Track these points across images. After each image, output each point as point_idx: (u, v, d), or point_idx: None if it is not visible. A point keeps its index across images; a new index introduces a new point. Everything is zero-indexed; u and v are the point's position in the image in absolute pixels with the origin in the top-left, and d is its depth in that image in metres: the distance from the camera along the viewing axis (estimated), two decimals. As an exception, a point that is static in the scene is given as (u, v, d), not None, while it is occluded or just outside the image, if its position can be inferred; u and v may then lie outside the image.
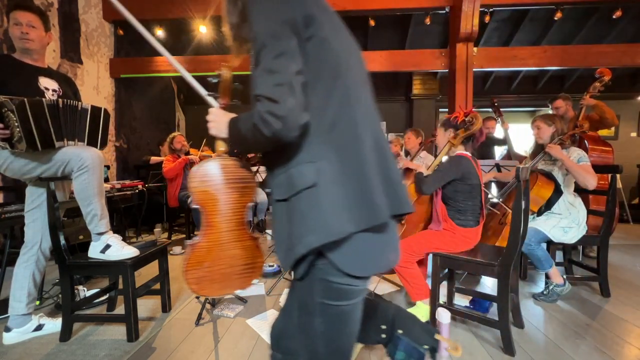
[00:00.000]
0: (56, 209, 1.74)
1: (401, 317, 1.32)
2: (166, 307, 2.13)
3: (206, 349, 1.71)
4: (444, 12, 4.21)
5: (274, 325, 0.95)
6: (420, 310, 1.98)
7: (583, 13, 4.91)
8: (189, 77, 1.07)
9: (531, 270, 2.78)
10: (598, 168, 2.32)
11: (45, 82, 1.82)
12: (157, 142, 5.01)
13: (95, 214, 1.76)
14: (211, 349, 1.70)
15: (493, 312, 2.06)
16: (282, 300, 2.22)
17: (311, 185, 0.69)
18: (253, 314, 2.07)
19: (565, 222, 2.26)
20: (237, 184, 1.04)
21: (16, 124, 1.54)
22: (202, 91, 1.07)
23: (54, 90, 1.85)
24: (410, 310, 2.02)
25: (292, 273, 0.78)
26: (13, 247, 2.22)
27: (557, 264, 2.38)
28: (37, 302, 2.06)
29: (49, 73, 1.88)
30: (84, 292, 2.24)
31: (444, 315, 1.65)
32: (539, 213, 2.36)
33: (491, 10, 4.19)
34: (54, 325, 1.86)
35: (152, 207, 4.28)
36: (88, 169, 1.71)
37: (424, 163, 3.08)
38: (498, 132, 3.94)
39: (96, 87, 4.28)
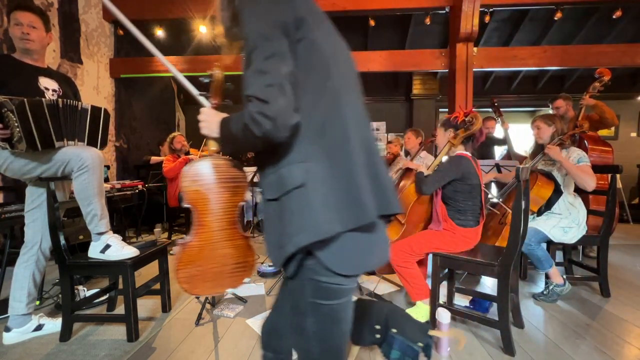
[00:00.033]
0: (56, 209, 1.74)
1: (395, 316, 1.33)
2: (166, 307, 2.13)
3: (206, 349, 1.71)
4: (444, 12, 4.21)
5: (265, 325, 0.96)
6: (420, 310, 1.98)
7: (583, 13, 4.91)
8: (180, 77, 1.08)
9: (531, 270, 2.78)
10: (598, 168, 2.32)
11: (45, 82, 1.82)
12: (157, 142, 5.01)
13: (95, 214, 1.76)
14: (211, 349, 1.70)
15: (493, 312, 2.06)
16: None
17: (300, 185, 0.70)
18: (253, 314, 2.07)
19: (565, 222, 2.26)
20: (228, 183, 1.05)
21: (16, 124, 1.54)
22: (194, 91, 1.08)
23: (54, 90, 1.85)
24: (410, 310, 2.02)
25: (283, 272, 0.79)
26: (13, 247, 2.22)
27: (557, 264, 2.38)
28: (37, 302, 2.06)
29: (49, 73, 1.88)
30: (84, 292, 2.24)
31: (444, 315, 1.65)
32: (539, 213, 2.36)
33: (491, 10, 4.19)
34: (54, 325, 1.86)
35: (152, 207, 4.28)
36: (88, 169, 1.71)
37: (424, 163, 3.08)
38: (498, 132, 3.94)
39: (96, 87, 4.28)
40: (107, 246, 1.77)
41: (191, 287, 1.05)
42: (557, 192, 2.30)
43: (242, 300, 2.27)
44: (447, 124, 2.12)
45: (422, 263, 2.23)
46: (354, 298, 1.46)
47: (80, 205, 1.76)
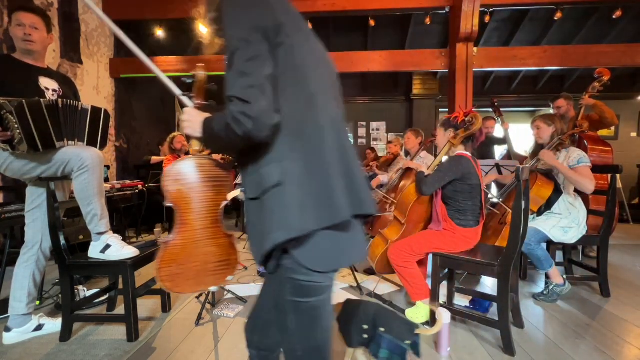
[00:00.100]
0: (56, 209, 1.74)
1: (382, 316, 1.34)
2: (166, 307, 2.13)
3: (206, 349, 1.71)
4: (444, 12, 4.21)
5: (247, 323, 0.96)
6: (420, 310, 1.98)
7: (583, 13, 4.92)
8: (162, 77, 1.08)
9: (531, 270, 2.78)
10: (598, 168, 2.32)
11: (45, 82, 1.82)
12: (157, 142, 5.02)
13: (95, 214, 1.76)
14: (211, 349, 1.70)
15: (493, 312, 2.06)
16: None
17: (277, 184, 0.73)
18: (253, 314, 2.07)
19: (565, 222, 2.26)
20: (211, 182, 1.06)
21: (16, 125, 1.54)
22: (177, 91, 1.08)
23: (54, 91, 1.85)
24: (410, 310, 2.03)
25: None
26: (13, 247, 2.22)
27: (557, 264, 2.38)
28: (37, 302, 2.06)
29: (49, 73, 1.88)
30: (84, 292, 2.24)
31: (444, 316, 1.65)
32: (539, 213, 2.37)
33: (491, 10, 4.19)
34: (54, 325, 1.86)
35: (152, 207, 4.28)
36: (88, 169, 1.71)
37: (424, 163, 3.08)
38: (498, 132, 3.94)
39: (96, 87, 4.28)
40: (107, 246, 1.77)
41: (173, 285, 1.05)
42: (557, 192, 2.30)
43: (242, 300, 2.27)
44: (447, 124, 2.12)
45: (422, 263, 2.23)
46: (343, 299, 1.47)
47: (80, 205, 1.76)
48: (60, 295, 2.07)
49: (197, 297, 2.31)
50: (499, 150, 4.01)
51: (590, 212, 2.42)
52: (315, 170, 0.75)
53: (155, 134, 5.45)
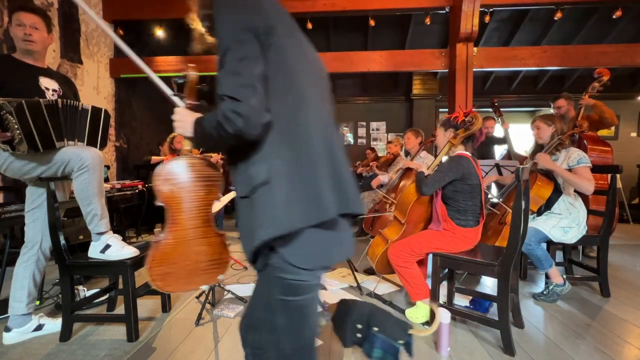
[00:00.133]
0: (56, 209, 1.74)
1: (376, 315, 1.36)
2: (166, 307, 2.13)
3: (206, 349, 1.71)
4: (444, 12, 4.21)
5: (241, 322, 0.97)
6: (420, 310, 1.98)
7: (583, 13, 4.92)
8: (154, 77, 1.09)
9: (531, 270, 2.78)
10: (598, 168, 2.32)
11: (45, 82, 1.82)
12: (157, 142, 5.01)
13: (96, 214, 1.76)
14: (211, 349, 1.70)
15: (493, 312, 2.06)
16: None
17: (265, 182, 0.75)
18: (253, 314, 2.07)
19: (565, 222, 2.26)
20: (202, 182, 1.06)
21: (16, 126, 1.54)
22: (168, 91, 1.09)
23: (54, 91, 1.85)
24: (410, 310, 2.03)
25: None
26: (13, 247, 2.22)
27: (557, 264, 2.38)
28: (37, 302, 2.06)
29: (49, 73, 1.88)
30: (84, 292, 2.24)
31: (444, 315, 1.65)
32: (539, 213, 2.37)
33: (491, 10, 4.19)
34: (54, 325, 1.86)
35: (152, 207, 4.27)
36: (88, 169, 1.71)
37: (424, 163, 3.08)
38: (498, 132, 3.94)
39: (96, 87, 4.28)
40: (107, 246, 1.77)
41: (165, 284, 1.05)
42: (557, 192, 2.30)
43: (242, 300, 2.27)
44: (447, 124, 2.12)
45: (422, 263, 2.23)
46: (337, 299, 1.47)
47: (80, 205, 1.76)
48: (60, 295, 2.07)
49: (197, 297, 2.31)
50: (499, 150, 4.01)
51: (590, 212, 2.42)
52: (303, 168, 0.77)
53: (155, 134, 5.45)
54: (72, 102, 1.74)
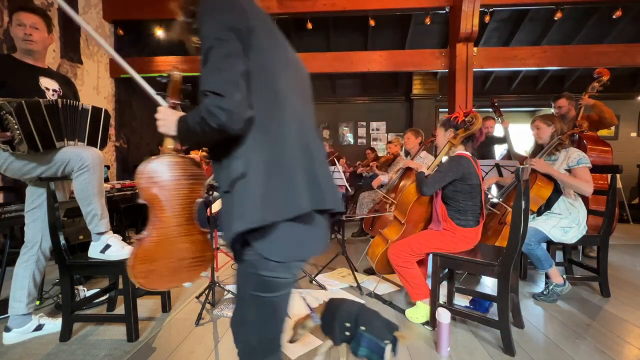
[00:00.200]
0: (56, 209, 1.74)
1: (364, 315, 1.39)
2: (166, 307, 2.13)
3: (206, 349, 1.71)
4: (444, 12, 4.21)
5: (232, 319, 0.98)
6: (420, 310, 1.98)
7: (583, 13, 4.92)
8: (136, 76, 1.10)
9: (531, 270, 2.78)
10: (598, 168, 2.32)
11: (45, 82, 1.83)
12: (157, 142, 5.01)
13: (96, 213, 1.76)
14: (211, 349, 1.70)
15: (493, 312, 2.06)
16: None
17: (241, 176, 0.77)
18: (253, 314, 2.07)
19: (565, 222, 2.26)
20: (185, 180, 1.06)
21: (16, 126, 1.54)
22: (151, 90, 1.10)
23: (54, 91, 1.85)
24: (410, 310, 2.03)
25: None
26: (13, 247, 2.22)
27: (557, 264, 2.38)
28: (37, 302, 2.06)
29: (49, 73, 1.88)
30: (84, 292, 2.25)
31: (444, 315, 1.65)
32: (539, 213, 2.36)
33: (491, 10, 4.19)
34: (54, 325, 1.86)
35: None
36: (88, 169, 1.71)
37: (424, 163, 3.08)
38: (498, 131, 3.94)
39: (96, 87, 4.28)
40: (107, 246, 1.77)
41: (147, 282, 1.04)
42: (557, 192, 2.30)
43: (242, 300, 2.27)
44: (447, 124, 2.12)
45: (422, 263, 2.23)
46: (327, 297, 1.47)
47: (80, 205, 1.76)
48: (60, 295, 2.07)
49: (197, 297, 2.31)
50: (499, 150, 4.01)
51: (590, 212, 2.42)
52: (278, 164, 0.79)
53: (156, 134, 5.35)
54: (72, 102, 1.74)
